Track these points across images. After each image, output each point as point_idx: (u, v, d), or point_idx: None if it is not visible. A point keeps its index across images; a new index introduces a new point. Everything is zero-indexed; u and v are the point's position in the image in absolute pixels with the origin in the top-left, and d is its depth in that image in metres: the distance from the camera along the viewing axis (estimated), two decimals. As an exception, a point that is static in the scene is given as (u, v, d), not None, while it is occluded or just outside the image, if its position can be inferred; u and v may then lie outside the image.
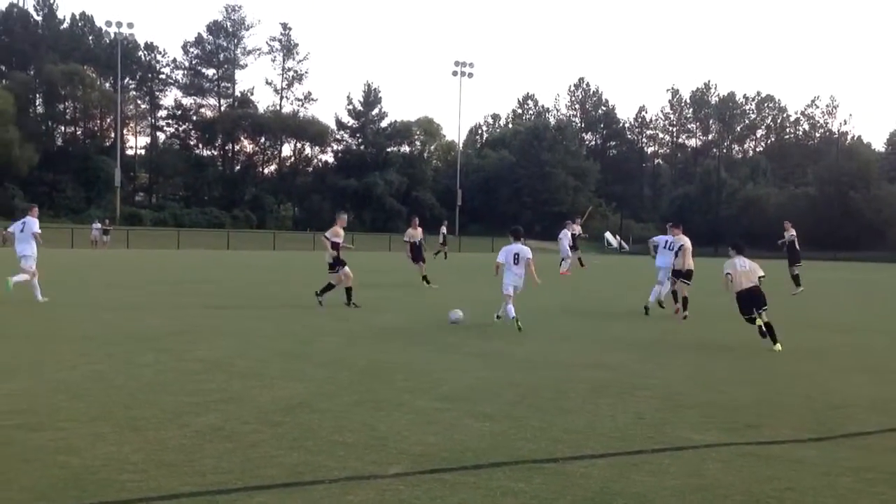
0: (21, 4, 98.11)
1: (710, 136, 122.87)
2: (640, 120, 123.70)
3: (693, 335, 13.94)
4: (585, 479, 5.61)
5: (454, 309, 15.05)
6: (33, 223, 17.53)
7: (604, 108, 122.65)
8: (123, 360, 10.09)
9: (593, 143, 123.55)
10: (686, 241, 17.24)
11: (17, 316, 14.75)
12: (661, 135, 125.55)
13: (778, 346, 12.12)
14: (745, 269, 12.62)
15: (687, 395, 8.66)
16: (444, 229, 46.25)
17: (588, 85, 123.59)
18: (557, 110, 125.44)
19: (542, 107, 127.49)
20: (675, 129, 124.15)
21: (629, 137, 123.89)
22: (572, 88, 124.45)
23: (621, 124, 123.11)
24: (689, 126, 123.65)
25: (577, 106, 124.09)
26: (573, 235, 32.26)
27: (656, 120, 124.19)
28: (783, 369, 10.61)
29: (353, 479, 5.53)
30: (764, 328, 12.41)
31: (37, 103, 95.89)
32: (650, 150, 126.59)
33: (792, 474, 5.84)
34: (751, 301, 12.55)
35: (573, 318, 16.16)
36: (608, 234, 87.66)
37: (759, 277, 12.64)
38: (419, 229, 25.36)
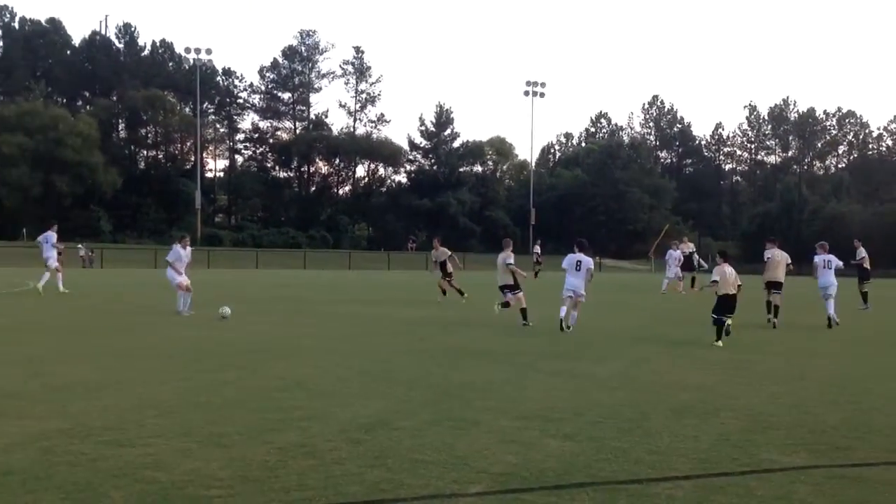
0: (103, 32, 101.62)
1: (789, 153, 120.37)
2: (716, 137, 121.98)
3: (778, 355, 13.61)
4: (670, 501, 5.51)
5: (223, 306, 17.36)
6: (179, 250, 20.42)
7: (679, 126, 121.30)
8: (206, 377, 10.28)
9: (669, 160, 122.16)
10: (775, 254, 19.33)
11: (106, 334, 15.15)
12: (738, 152, 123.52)
13: (720, 343, 14.09)
14: (731, 277, 14.42)
15: (773, 415, 8.45)
16: (537, 248, 46.48)
17: (662, 102, 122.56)
18: (631, 128, 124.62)
19: (616, 125, 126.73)
20: (753, 146, 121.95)
21: (706, 155, 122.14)
22: (646, 106, 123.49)
23: (697, 141, 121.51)
24: (767, 143, 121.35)
25: (651, 124, 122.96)
26: (684, 255, 32.92)
27: (733, 137, 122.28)
28: (872, 390, 10.29)
29: (434, 497, 5.53)
30: (728, 329, 14.35)
31: (120, 128, 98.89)
32: (727, 167, 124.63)
33: (884, 498, 5.66)
34: (728, 306, 14.30)
35: (653, 339, 15.93)
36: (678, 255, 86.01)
37: (738, 286, 14.57)
38: (441, 248, 26.81)
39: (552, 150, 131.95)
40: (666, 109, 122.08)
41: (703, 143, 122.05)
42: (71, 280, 33.49)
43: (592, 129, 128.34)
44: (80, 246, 62.56)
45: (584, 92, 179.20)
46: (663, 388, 9.99)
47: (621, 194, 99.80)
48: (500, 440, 7.13)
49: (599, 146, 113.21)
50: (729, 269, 14.50)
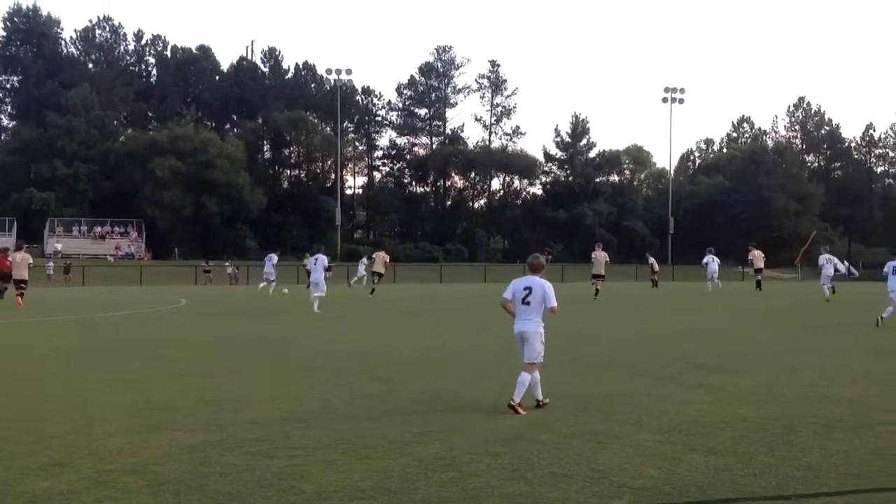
0: (250, 57, 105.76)
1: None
2: (867, 139, 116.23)
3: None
4: (822, 520, 5.29)
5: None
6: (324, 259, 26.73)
7: (827, 128, 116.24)
8: (348, 389, 10.52)
9: (816, 164, 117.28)
10: None
11: (252, 350, 15.72)
12: (891, 153, 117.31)
13: None
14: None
15: (933, 431, 7.99)
16: (652, 259, 46.40)
17: (809, 104, 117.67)
18: (776, 132, 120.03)
19: (759, 129, 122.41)
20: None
21: (856, 157, 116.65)
22: (791, 109, 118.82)
23: (847, 144, 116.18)
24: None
25: (797, 127, 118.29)
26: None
27: (886, 138, 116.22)
28: None
29: (574, 511, 5.49)
30: None
31: (265, 149, 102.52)
32: (880, 169, 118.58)
33: None
34: None
35: (801, 350, 15.31)
36: (835, 260, 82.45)
37: None
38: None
39: (692, 157, 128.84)
40: (813, 111, 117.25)
41: (853, 145, 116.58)
42: (217, 296, 34.83)
43: (734, 134, 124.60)
44: (227, 263, 65.17)
45: (726, 96, 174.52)
46: (812, 402, 9.59)
47: (765, 201, 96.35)
48: (641, 454, 7.02)
49: (742, 151, 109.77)
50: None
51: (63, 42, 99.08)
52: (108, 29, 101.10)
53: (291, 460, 6.83)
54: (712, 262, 38.11)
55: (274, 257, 41.40)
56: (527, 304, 9.15)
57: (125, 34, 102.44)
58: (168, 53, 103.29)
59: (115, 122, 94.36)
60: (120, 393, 10.38)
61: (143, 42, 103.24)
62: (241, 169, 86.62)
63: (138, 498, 5.81)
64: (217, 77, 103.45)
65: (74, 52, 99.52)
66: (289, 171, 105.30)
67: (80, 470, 6.57)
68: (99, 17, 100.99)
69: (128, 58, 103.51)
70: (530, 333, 9.16)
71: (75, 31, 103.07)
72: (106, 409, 9.21)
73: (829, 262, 31.82)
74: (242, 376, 11.89)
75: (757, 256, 38.15)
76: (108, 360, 13.89)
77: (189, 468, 6.59)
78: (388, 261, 40.73)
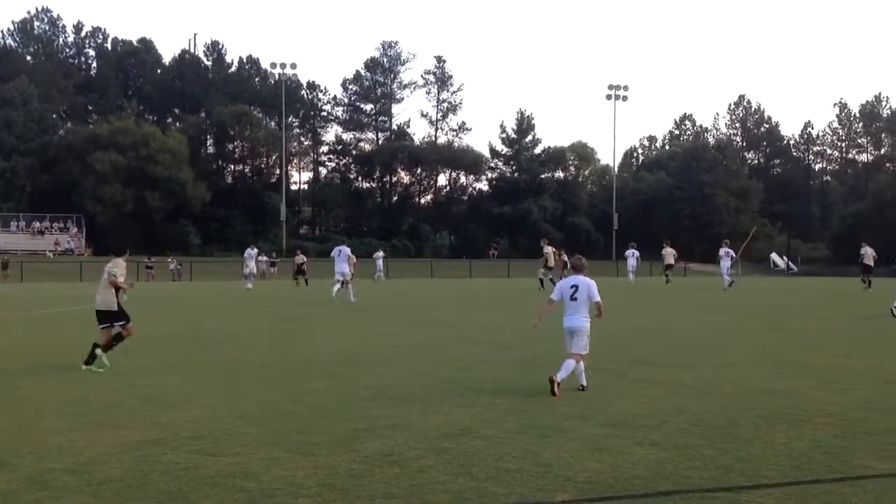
0: (192, 51, 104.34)
1: (882, 151, 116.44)
2: (805, 136, 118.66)
3: (870, 358, 13.17)
4: (761, 510, 5.39)
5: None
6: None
7: (766, 126, 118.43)
8: (292, 387, 10.45)
9: (756, 161, 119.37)
10: None
11: (193, 346, 15.53)
12: (829, 151, 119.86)
13: None
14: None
15: (867, 421, 8.20)
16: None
17: (749, 102, 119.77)
18: (717, 129, 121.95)
19: (701, 126, 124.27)
20: (844, 145, 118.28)
21: (794, 154, 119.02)
22: (732, 107, 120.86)
23: (786, 141, 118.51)
24: (859, 141, 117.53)
25: (737, 124, 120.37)
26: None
27: (823, 135, 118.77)
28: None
29: (519, 505, 5.52)
30: None
31: (208, 144, 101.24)
32: (818, 166, 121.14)
33: None
34: None
35: (740, 343, 15.59)
36: (774, 255, 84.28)
37: None
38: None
39: (635, 154, 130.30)
40: (753, 109, 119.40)
41: (792, 142, 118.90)
42: (159, 292, 34.43)
43: (677, 132, 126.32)
44: (170, 259, 64.23)
45: (668, 94, 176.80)
46: (752, 395, 9.77)
47: (707, 197, 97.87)
48: (585, 447, 7.09)
49: (684, 148, 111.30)
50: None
51: (0, 34, 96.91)
52: (46, 21, 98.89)
53: (234, 458, 6.77)
54: (631, 257, 43.12)
55: (254, 251, 43.50)
56: (574, 300, 10.13)
57: (64, 26, 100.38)
58: (108, 46, 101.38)
59: (55, 115, 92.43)
60: (59, 391, 10.19)
61: (83, 34, 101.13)
62: (184, 163, 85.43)
63: (78, 498, 5.71)
64: (159, 70, 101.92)
65: (12, 43, 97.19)
66: (233, 166, 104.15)
67: (19, 469, 6.44)
68: (37, 9, 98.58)
69: (67, 50, 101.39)
70: (579, 328, 10.10)
71: (13, 22, 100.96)
72: (45, 408, 9.04)
73: (727, 255, 35.27)
74: (184, 374, 11.74)
75: (667, 254, 40.72)
76: (48, 357, 13.62)
77: (130, 467, 6.49)
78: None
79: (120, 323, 12.24)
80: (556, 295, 10.41)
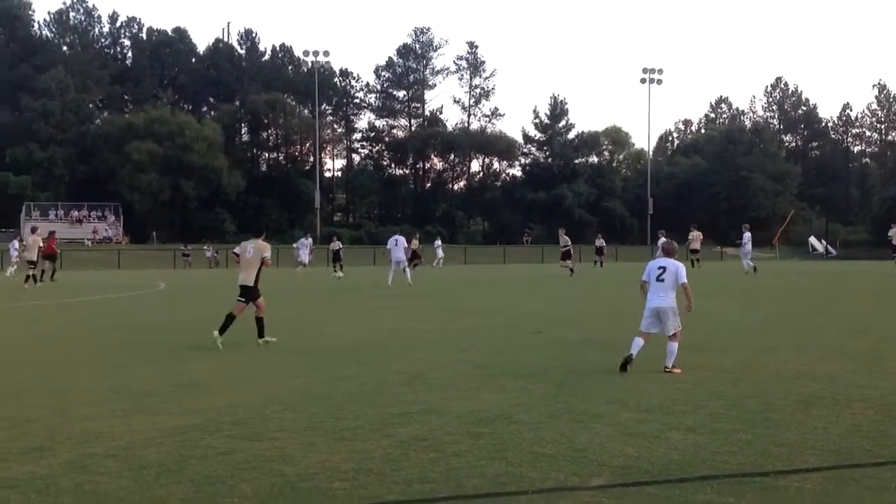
0: (226, 39, 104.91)
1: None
2: (844, 118, 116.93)
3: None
4: (800, 495, 5.35)
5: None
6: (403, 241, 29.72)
7: (804, 108, 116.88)
8: (327, 373, 10.52)
9: (793, 144, 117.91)
10: None
11: (232, 333, 15.66)
12: (868, 133, 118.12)
13: None
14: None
15: (909, 407, 8.09)
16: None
17: (786, 84, 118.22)
18: (753, 112, 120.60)
19: (737, 109, 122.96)
20: (883, 127, 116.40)
21: (833, 137, 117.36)
22: (769, 89, 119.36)
23: (824, 124, 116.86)
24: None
25: (774, 107, 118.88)
26: None
27: (862, 117, 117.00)
28: None
29: (555, 490, 5.52)
30: None
31: (242, 132, 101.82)
32: (856, 149, 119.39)
33: None
34: None
35: (778, 328, 15.44)
36: (812, 239, 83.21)
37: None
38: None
39: (670, 138, 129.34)
40: (790, 91, 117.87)
41: (830, 125, 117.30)
42: (197, 279, 34.69)
43: (712, 115, 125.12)
44: (206, 247, 64.81)
45: (704, 77, 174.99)
46: (790, 379, 9.67)
47: (743, 180, 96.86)
48: (620, 433, 7.06)
49: (720, 132, 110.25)
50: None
51: (36, 25, 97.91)
52: (82, 11, 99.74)
53: (272, 443, 6.83)
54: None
55: (308, 240, 45.13)
56: (661, 281, 10.43)
57: (99, 16, 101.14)
58: (143, 35, 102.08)
59: (91, 105, 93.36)
60: (99, 377, 10.33)
61: (118, 24, 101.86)
62: (219, 152, 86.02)
63: (119, 482, 5.79)
64: (193, 59, 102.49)
65: (48, 34, 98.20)
66: (267, 154, 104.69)
67: (60, 454, 6.54)
68: (73, 0, 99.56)
69: (102, 40, 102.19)
70: (666, 308, 10.38)
71: (49, 13, 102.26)
72: (85, 394, 9.16)
73: (748, 241, 35.03)
74: (222, 359, 11.86)
75: (694, 238, 40.14)
76: (87, 344, 13.82)
77: (170, 451, 6.57)
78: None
79: (254, 299, 13.56)
80: (646, 276, 10.67)
